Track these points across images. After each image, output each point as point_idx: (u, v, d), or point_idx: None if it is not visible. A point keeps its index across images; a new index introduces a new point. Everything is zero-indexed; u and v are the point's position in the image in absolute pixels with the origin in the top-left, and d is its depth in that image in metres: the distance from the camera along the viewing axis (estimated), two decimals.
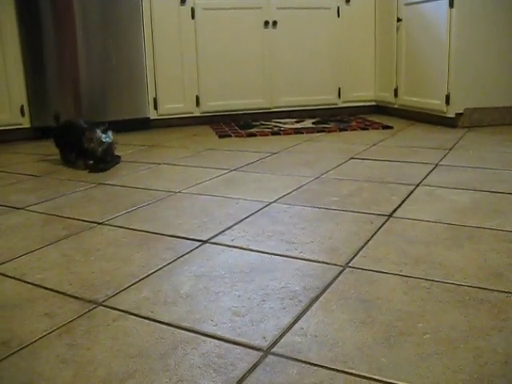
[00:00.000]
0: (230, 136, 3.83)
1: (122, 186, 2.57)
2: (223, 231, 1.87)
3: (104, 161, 2.92)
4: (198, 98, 4.37)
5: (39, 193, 2.54)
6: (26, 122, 4.08)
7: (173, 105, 4.33)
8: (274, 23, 4.43)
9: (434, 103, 3.95)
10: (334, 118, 4.52)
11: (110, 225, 2.00)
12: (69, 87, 4.10)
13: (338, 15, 4.59)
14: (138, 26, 4.15)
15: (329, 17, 4.57)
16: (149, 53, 4.22)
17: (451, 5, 3.71)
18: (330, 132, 3.89)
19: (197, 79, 4.35)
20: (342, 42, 4.63)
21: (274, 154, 3.17)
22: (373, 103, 4.81)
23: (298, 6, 4.48)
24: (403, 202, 2.13)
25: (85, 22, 4.04)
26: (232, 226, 1.92)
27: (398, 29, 4.34)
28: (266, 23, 4.42)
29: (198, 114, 4.42)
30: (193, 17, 4.27)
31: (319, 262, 1.58)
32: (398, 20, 4.31)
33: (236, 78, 4.43)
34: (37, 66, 4.01)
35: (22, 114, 4.05)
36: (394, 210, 2.02)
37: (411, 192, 2.26)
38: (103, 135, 2.88)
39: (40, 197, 2.46)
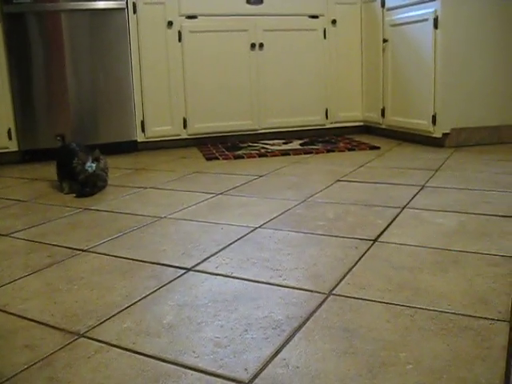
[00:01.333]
0: (217, 158, 3.83)
1: (107, 211, 2.56)
2: (207, 258, 1.86)
3: (86, 188, 2.91)
4: (185, 121, 4.38)
5: (25, 218, 2.53)
6: (13, 146, 4.08)
7: (160, 127, 4.34)
8: (261, 45, 4.46)
9: (421, 123, 3.98)
10: (321, 139, 4.54)
11: (94, 252, 1.99)
12: (57, 110, 4.10)
13: (325, 37, 4.63)
14: (125, 49, 4.16)
15: (315, 38, 4.61)
16: (136, 76, 4.23)
17: (436, 26, 3.76)
18: (317, 153, 3.90)
19: (184, 101, 4.36)
20: (329, 63, 4.67)
21: (260, 176, 3.18)
22: (360, 123, 4.83)
23: (284, 28, 4.51)
24: (388, 225, 2.14)
25: (73, 46, 4.06)
26: (216, 252, 1.92)
27: (384, 50, 4.38)
28: (253, 45, 4.44)
29: (186, 136, 4.43)
30: (179, 39, 4.30)
31: (303, 289, 1.58)
32: (384, 41, 4.35)
33: (223, 99, 4.45)
34: (24, 89, 4.01)
35: (10, 137, 4.05)
36: (379, 235, 2.03)
37: (397, 215, 2.27)
38: (88, 163, 2.88)
39: (26, 223, 2.45)
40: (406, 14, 4.08)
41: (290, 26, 4.53)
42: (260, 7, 4.43)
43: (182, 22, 4.28)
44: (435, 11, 3.75)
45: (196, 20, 4.31)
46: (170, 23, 4.25)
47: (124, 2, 4.10)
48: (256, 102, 4.52)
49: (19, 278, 1.78)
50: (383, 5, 4.36)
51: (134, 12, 4.17)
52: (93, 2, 4.03)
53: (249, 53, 4.45)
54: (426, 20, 3.83)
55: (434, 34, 3.78)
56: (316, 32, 4.60)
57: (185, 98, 4.36)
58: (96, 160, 2.92)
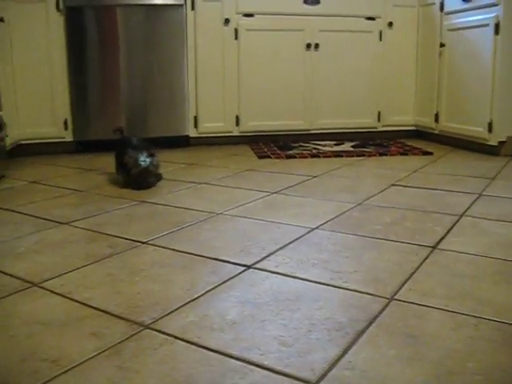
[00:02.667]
0: (269, 157, 3.85)
1: (163, 205, 2.60)
2: (267, 256, 1.88)
3: (138, 183, 2.95)
4: (238, 118, 4.41)
5: (82, 208, 2.58)
6: (68, 136, 4.17)
7: (213, 123, 4.37)
8: (316, 46, 4.46)
9: (476, 130, 3.92)
10: (373, 142, 4.51)
11: (153, 244, 2.03)
12: (111, 103, 4.17)
13: (380, 39, 4.59)
14: (181, 45, 4.21)
15: (371, 40, 4.58)
16: (191, 71, 4.27)
17: (497, 32, 3.69)
18: (369, 156, 3.88)
19: (237, 99, 4.39)
20: (384, 66, 4.63)
21: (314, 177, 3.18)
22: (412, 128, 4.78)
23: (340, 29, 4.50)
24: (447, 233, 2.11)
25: (128, 41, 4.12)
26: (275, 251, 1.93)
27: (440, 54, 4.33)
28: (309, 45, 4.44)
29: (238, 134, 4.45)
30: (236, 37, 4.32)
31: (364, 293, 1.58)
32: (441, 45, 4.30)
33: (277, 98, 4.46)
34: (81, 82, 4.09)
35: (66, 127, 4.13)
36: (438, 242, 2.01)
37: (455, 223, 2.24)
38: (141, 158, 2.91)
39: (83, 212, 2.50)
40: (465, 19, 4.02)
41: (345, 27, 4.51)
42: (317, 7, 4.42)
43: (239, 20, 4.30)
44: (496, 16, 3.68)
45: (253, 18, 4.33)
46: (226, 21, 4.27)
47: None
48: (309, 102, 4.51)
49: (82, 267, 1.82)
50: (442, 9, 4.30)
51: (192, 8, 4.21)
52: None
53: (304, 53, 4.45)
54: (487, 25, 3.77)
55: (494, 39, 3.72)
56: (372, 34, 4.57)
57: (238, 95, 4.39)
58: (151, 155, 2.94)
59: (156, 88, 4.21)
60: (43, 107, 4.08)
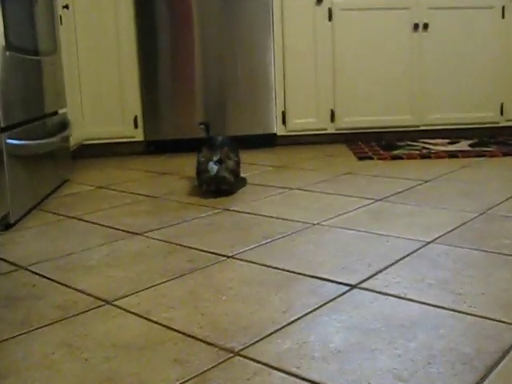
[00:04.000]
0: (371, 158, 3.82)
1: (250, 214, 2.62)
2: (374, 275, 1.85)
3: (210, 189, 2.97)
4: (333, 113, 4.40)
5: (157, 217, 2.63)
6: (139, 135, 4.28)
7: (304, 119, 4.38)
8: (425, 26, 4.38)
9: None
10: (494, 140, 4.39)
11: (240, 259, 2.04)
12: (185, 99, 4.26)
13: (503, 16, 4.46)
14: (267, 30, 4.24)
15: (491, 18, 4.45)
16: (278, 60, 4.29)
17: None
18: (491, 157, 3.78)
19: (332, 91, 4.37)
20: (507, 48, 4.49)
21: (426, 182, 3.12)
22: None
23: (454, 6, 4.40)
24: None
25: (205, 27, 4.19)
26: (384, 268, 1.90)
27: None
28: (416, 26, 4.38)
29: (333, 131, 4.44)
30: (330, 19, 4.31)
31: (495, 320, 1.53)
32: None
33: (378, 90, 4.41)
34: (152, 76, 4.19)
35: (136, 125, 4.24)
36: None
37: None
38: (210, 164, 2.90)
39: (159, 222, 2.55)
40: None
41: (460, 3, 4.41)
42: None
43: None
44: None
45: None
46: (319, 0, 4.27)
47: None
48: (417, 93, 4.43)
49: (159, 283, 1.86)
50: None
51: None
52: None
53: (410, 35, 4.39)
54: None
55: None
56: (492, 10, 4.45)
57: (333, 86, 4.37)
58: (219, 162, 2.92)
59: (237, 79, 4.26)
60: (110, 103, 4.21)
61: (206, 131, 3.25)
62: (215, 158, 2.92)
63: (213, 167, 2.90)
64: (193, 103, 4.27)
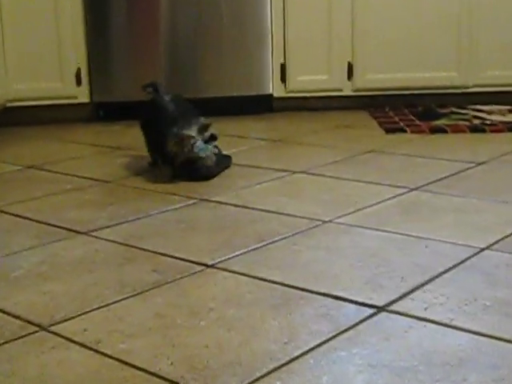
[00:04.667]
0: (403, 131, 3.83)
1: (237, 206, 2.61)
2: (408, 293, 1.85)
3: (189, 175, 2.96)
4: (350, 67, 4.38)
5: (110, 209, 2.62)
6: (83, 95, 4.25)
7: (310, 76, 4.36)
8: None
9: None
10: None
11: (224, 269, 2.03)
12: (147, 46, 4.23)
13: None
14: None
15: None
16: None
17: None
18: None
19: (351, 35, 4.35)
20: None
21: (479, 164, 3.13)
22: None
23: None
24: None
25: None
26: (422, 284, 1.90)
27: None
28: None
29: (350, 93, 4.43)
30: None
31: None
32: None
33: (412, 36, 4.39)
34: (102, 13, 4.16)
35: (79, 82, 4.20)
36: None
37: None
38: (198, 143, 2.88)
39: (113, 216, 2.54)
40: None
41: None
42: None
43: None
44: None
45: None
46: None
47: None
48: (465, 42, 4.42)
49: (115, 302, 1.84)
50: None
51: None
52: None
53: None
54: None
55: None
56: None
57: (352, 29, 4.35)
58: (213, 139, 2.93)
59: (219, 19, 4.23)
60: (44, 50, 4.16)
61: (156, 93, 3.21)
62: (204, 135, 2.90)
63: (203, 147, 2.86)
64: (156, 52, 4.24)
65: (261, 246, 2.21)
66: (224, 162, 3.11)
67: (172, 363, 1.54)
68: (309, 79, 4.38)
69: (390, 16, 4.38)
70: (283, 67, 4.35)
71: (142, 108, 3.22)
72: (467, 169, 3.06)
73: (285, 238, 2.28)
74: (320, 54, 4.36)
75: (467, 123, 3.95)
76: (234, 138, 3.62)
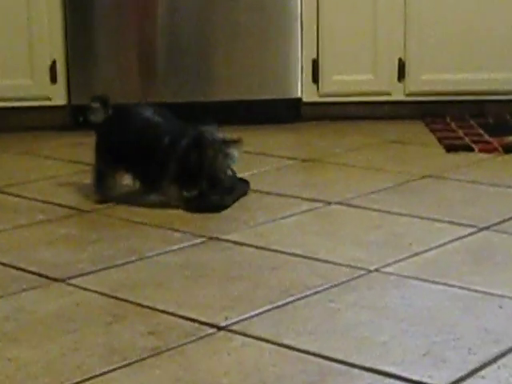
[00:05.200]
0: (469, 149, 3.83)
1: (257, 248, 2.61)
2: (478, 370, 1.83)
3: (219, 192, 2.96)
4: (402, 65, 4.39)
5: (92, 248, 2.62)
6: (58, 96, 4.26)
7: (350, 76, 4.39)
8: None
9: None
10: None
11: (241, 333, 2.02)
12: (141, 38, 4.27)
13: None
14: None
15: None
16: None
17: None
18: None
19: (403, 27, 4.37)
20: None
21: None
22: None
23: None
24: None
25: None
26: (496, 358, 1.88)
27: None
28: None
29: (402, 98, 4.45)
30: None
31: None
32: None
33: (479, 29, 4.40)
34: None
35: (54, 79, 4.22)
36: None
37: None
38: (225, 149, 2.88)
39: (94, 258, 2.54)
40: None
41: None
42: None
43: None
44: None
45: None
46: None
47: None
48: None
49: (100, 375, 1.83)
50: None
51: None
52: None
53: None
54: None
55: None
56: None
57: (405, 20, 4.36)
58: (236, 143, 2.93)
59: (234, 4, 4.25)
60: (10, 40, 4.18)
61: (104, 110, 3.25)
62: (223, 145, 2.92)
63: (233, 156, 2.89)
64: (150, 44, 4.27)
65: (287, 303, 2.20)
66: (240, 188, 3.11)
67: None
68: (348, 80, 4.40)
69: (452, 2, 4.39)
70: (315, 64, 4.37)
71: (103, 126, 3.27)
72: None
73: (318, 291, 2.27)
74: (363, 47, 4.38)
75: None
76: (251, 155, 3.60)
